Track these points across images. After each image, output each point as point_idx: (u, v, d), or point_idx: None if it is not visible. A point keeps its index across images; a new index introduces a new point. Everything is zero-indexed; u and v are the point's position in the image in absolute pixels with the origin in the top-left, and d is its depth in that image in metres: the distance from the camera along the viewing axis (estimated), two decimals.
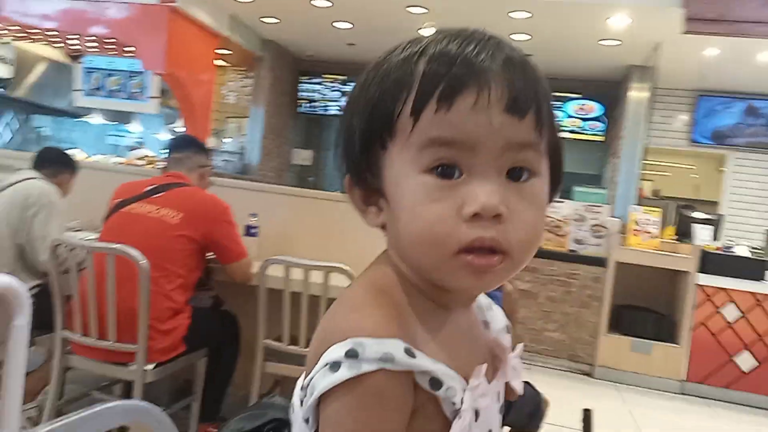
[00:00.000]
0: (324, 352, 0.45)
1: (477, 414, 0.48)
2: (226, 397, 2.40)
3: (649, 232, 4.48)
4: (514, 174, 0.47)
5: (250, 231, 2.66)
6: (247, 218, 2.67)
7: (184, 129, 6.32)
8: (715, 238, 4.62)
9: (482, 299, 0.60)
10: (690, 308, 4.28)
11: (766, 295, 4.17)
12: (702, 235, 4.65)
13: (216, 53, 6.16)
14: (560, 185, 0.52)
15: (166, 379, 2.28)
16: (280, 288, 2.19)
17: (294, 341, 2.20)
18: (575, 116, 6.97)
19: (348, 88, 7.39)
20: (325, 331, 0.47)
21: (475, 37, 0.48)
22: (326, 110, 7.54)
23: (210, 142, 6.43)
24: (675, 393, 4.22)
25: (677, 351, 4.30)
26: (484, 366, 0.49)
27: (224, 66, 7.12)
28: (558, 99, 6.92)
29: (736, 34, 4.72)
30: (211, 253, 2.25)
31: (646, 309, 4.55)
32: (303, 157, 7.70)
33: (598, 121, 6.93)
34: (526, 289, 4.43)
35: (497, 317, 0.59)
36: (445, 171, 0.46)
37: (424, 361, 0.45)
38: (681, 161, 8.04)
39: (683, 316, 4.31)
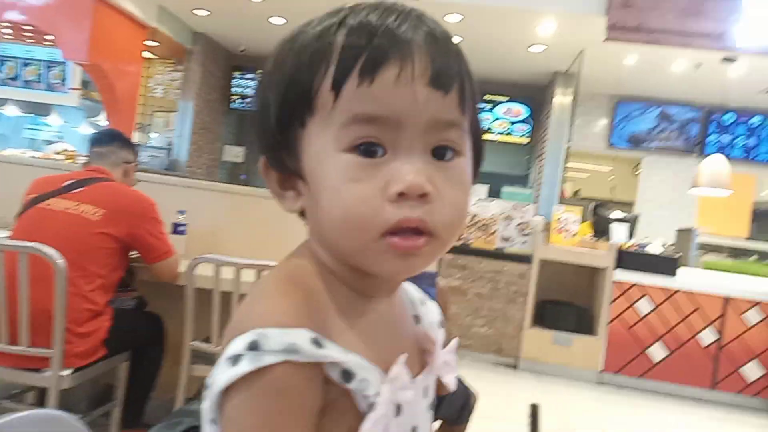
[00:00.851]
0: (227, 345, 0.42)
1: (399, 408, 0.46)
2: (150, 402, 2.33)
3: (569, 231, 4.69)
4: (439, 153, 0.45)
5: (177, 229, 2.59)
6: (174, 215, 2.60)
7: (107, 123, 6.06)
8: (630, 236, 4.89)
9: (415, 294, 0.58)
10: (607, 302, 4.52)
11: (676, 289, 4.46)
12: (618, 233, 4.92)
13: (143, 45, 5.94)
14: (481, 166, 0.51)
15: (84, 384, 2.19)
16: (209, 287, 2.14)
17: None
18: (503, 118, 7.20)
19: None
20: (231, 324, 0.44)
21: (396, 8, 0.46)
22: None
23: (135, 137, 6.20)
24: (593, 383, 4.45)
25: (595, 343, 4.53)
26: (404, 356, 0.46)
27: (152, 58, 6.87)
28: (487, 101, 7.13)
29: (653, 43, 5.02)
30: (135, 252, 2.17)
31: (567, 303, 4.77)
32: (234, 153, 7.55)
33: (525, 123, 7.18)
34: (456, 286, 4.54)
35: (431, 312, 0.58)
36: (368, 149, 0.44)
37: (333, 352, 0.42)
38: (599, 163, 8.46)
39: (601, 309, 4.55)
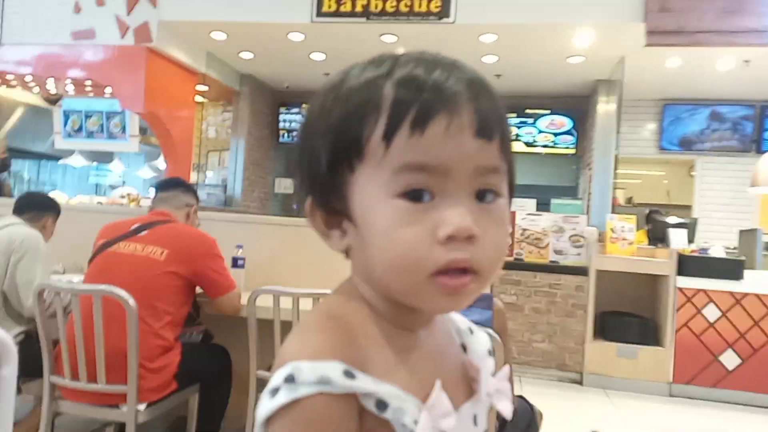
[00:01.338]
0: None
1: None
2: (222, 431, 2.42)
3: (626, 239, 4.59)
4: (481, 195, 0.48)
5: (236, 263, 2.71)
6: (233, 250, 2.72)
7: (165, 165, 6.37)
8: (690, 241, 4.74)
9: (462, 323, 0.59)
10: (672, 311, 4.38)
11: (744, 293, 4.28)
12: (677, 238, 4.77)
13: (195, 89, 6.25)
14: (513, 200, 0.53)
15: (159, 417, 2.30)
16: (269, 318, 2.23)
17: None
18: (546, 131, 7.15)
19: None
20: (276, 359, 0.47)
21: (441, 61, 0.48)
22: None
23: (192, 177, 6.48)
24: (663, 395, 4.29)
25: (663, 353, 4.38)
26: (439, 382, 0.47)
27: (203, 101, 7.20)
28: (529, 116, 7.11)
29: (695, 45, 4.92)
30: (199, 288, 2.29)
31: (629, 314, 4.64)
32: (285, 185, 7.77)
33: (569, 134, 7.10)
34: (511, 302, 4.51)
35: (478, 340, 0.59)
36: (416, 194, 0.46)
37: (365, 383, 0.44)
38: (651, 168, 8.24)
39: (666, 318, 4.41)
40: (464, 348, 0.58)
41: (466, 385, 0.54)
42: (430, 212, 0.46)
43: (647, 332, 4.53)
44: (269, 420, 0.44)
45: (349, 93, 0.48)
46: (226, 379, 2.43)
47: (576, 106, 6.96)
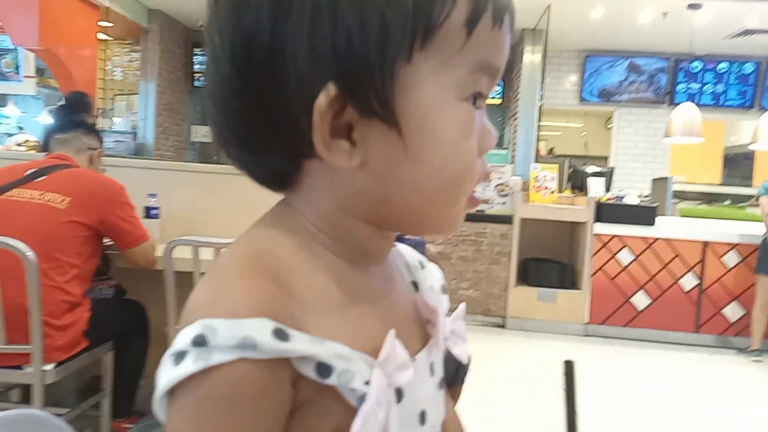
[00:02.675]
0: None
1: (400, 393, 0.39)
2: (139, 390, 2.27)
3: (548, 188, 4.70)
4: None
5: (150, 212, 2.50)
6: (146, 199, 2.50)
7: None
8: (607, 190, 4.92)
9: (412, 257, 0.51)
10: (589, 256, 4.56)
11: (655, 238, 4.52)
12: (595, 187, 4.94)
13: (97, 26, 5.69)
14: None
15: (70, 378, 2.12)
16: (188, 270, 2.07)
17: None
18: None
19: None
20: (182, 314, 0.36)
21: None
22: None
23: (98, 123, 5.99)
24: (579, 335, 4.52)
25: (580, 296, 4.58)
26: (392, 332, 0.39)
27: (107, 40, 6.60)
28: None
29: None
30: (108, 239, 2.09)
31: (550, 260, 4.80)
32: (203, 133, 7.37)
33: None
34: (439, 251, 4.53)
35: (431, 275, 0.51)
36: (476, 98, 0.39)
37: (301, 344, 0.34)
38: (572, 120, 8.49)
39: (584, 263, 4.59)
40: (415, 286, 0.49)
41: (420, 329, 0.46)
42: (478, 119, 0.40)
43: (566, 277, 4.71)
44: (173, 391, 0.34)
45: None
46: (142, 336, 2.27)
47: None
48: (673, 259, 4.51)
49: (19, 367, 1.85)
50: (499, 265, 4.63)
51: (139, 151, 6.53)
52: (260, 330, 0.33)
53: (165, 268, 2.08)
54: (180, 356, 0.33)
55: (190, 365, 0.33)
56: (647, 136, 7.08)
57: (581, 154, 8.17)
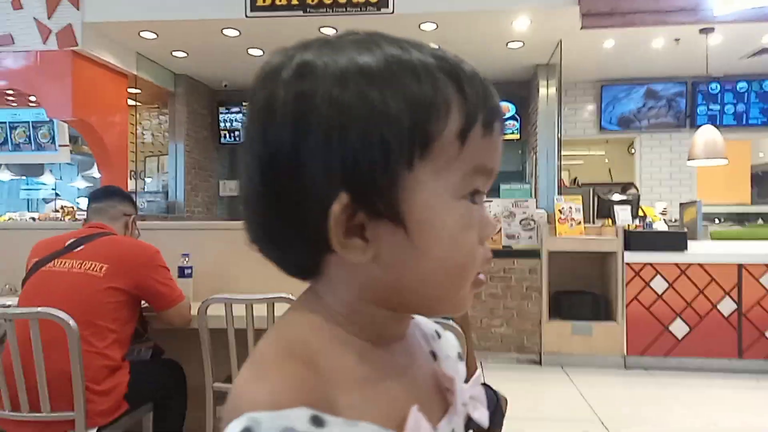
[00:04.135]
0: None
1: None
2: None
3: (574, 219, 4.68)
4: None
5: (183, 272, 2.59)
6: (178, 259, 2.59)
7: (100, 175, 6.08)
8: (634, 217, 4.88)
9: (428, 326, 0.55)
10: (621, 285, 4.49)
11: (688, 264, 4.44)
12: (622, 215, 4.90)
13: (127, 93, 5.97)
14: None
15: None
16: (221, 327, 2.13)
17: None
18: None
19: None
20: (226, 405, 0.40)
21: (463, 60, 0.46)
22: None
23: (130, 185, 6.22)
24: (619, 368, 4.41)
25: (616, 328, 4.50)
26: (416, 407, 0.43)
27: (136, 105, 6.90)
28: None
29: (629, 25, 5.06)
30: (144, 302, 2.16)
31: (581, 292, 4.74)
32: (230, 188, 7.56)
33: (513, 120, 7.20)
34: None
35: (447, 344, 0.55)
36: (473, 196, 0.45)
37: (336, 428, 0.38)
38: (593, 148, 8.48)
39: (616, 293, 4.52)
40: (434, 355, 0.53)
41: (440, 398, 0.49)
42: (476, 213, 0.45)
43: (599, 308, 4.64)
44: None
45: (410, 88, 0.42)
46: (180, 395, 2.32)
47: (518, 92, 7.05)
48: (709, 283, 4.42)
49: None
50: (530, 300, 4.59)
51: (170, 209, 6.72)
52: (299, 419, 0.37)
53: (200, 327, 2.14)
54: None
55: None
56: (671, 160, 7.02)
57: (605, 181, 8.12)
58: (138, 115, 7.07)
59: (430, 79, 0.42)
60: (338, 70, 0.42)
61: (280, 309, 2.11)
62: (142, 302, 2.15)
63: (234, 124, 7.43)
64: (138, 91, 6.28)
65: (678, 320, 4.45)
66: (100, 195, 2.34)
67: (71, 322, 1.82)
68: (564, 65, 5.97)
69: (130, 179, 6.28)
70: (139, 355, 2.25)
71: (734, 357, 4.37)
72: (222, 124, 7.44)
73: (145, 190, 7.04)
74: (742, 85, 6.87)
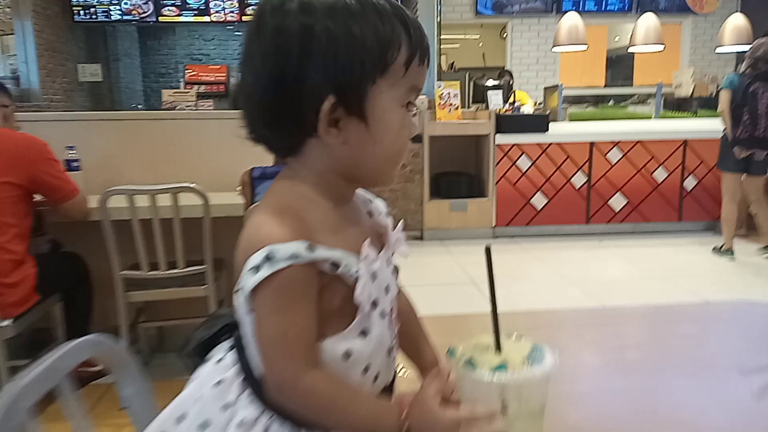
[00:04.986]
0: (247, 260, 0.57)
1: (374, 276, 0.62)
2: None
3: (452, 104, 4.96)
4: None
5: (71, 165, 2.51)
6: (63, 152, 2.50)
7: None
8: (505, 102, 5.26)
9: (364, 195, 0.73)
10: (493, 165, 4.95)
11: (548, 143, 4.95)
12: (495, 100, 5.27)
13: None
14: None
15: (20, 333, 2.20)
16: (125, 218, 2.16)
17: (153, 267, 2.23)
18: None
19: None
20: (245, 245, 0.58)
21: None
22: (108, 16, 6.73)
23: None
24: (488, 237, 4.98)
25: (487, 203, 5.01)
26: (367, 240, 0.63)
27: None
28: None
29: None
30: (38, 196, 2.12)
31: (459, 173, 5.16)
32: (91, 72, 6.91)
33: None
34: None
35: (378, 206, 0.74)
36: (408, 106, 0.63)
37: (322, 252, 0.58)
38: (469, 32, 8.71)
39: (488, 173, 4.98)
40: (370, 214, 0.73)
41: (378, 239, 0.69)
42: (408, 118, 0.64)
43: (474, 187, 5.10)
44: (255, 290, 0.57)
45: (377, 26, 0.60)
46: (86, 285, 2.37)
47: None
48: (565, 160, 4.99)
49: None
50: (413, 183, 4.92)
51: (24, 98, 6.07)
52: (299, 247, 0.57)
53: (102, 218, 2.15)
54: (257, 268, 0.56)
55: (264, 272, 0.56)
56: (539, 45, 7.46)
57: (480, 66, 8.47)
58: None
59: (390, 22, 0.60)
60: (329, 8, 0.59)
61: (184, 198, 2.17)
62: (36, 196, 2.11)
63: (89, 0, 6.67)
64: None
65: (539, 194, 5.03)
66: None
67: None
68: None
69: None
70: (38, 249, 2.23)
71: (583, 223, 5.09)
72: (74, 0, 6.64)
73: None
74: None
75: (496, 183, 4.98)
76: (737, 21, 5.67)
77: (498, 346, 0.61)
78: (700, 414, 0.76)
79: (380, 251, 0.67)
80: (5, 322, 1.92)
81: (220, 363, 0.65)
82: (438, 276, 4.05)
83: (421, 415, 0.57)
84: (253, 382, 0.62)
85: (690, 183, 5.09)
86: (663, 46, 5.72)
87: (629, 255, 4.55)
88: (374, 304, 0.63)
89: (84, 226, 2.25)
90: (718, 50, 6.25)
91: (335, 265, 0.59)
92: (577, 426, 0.72)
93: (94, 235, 2.24)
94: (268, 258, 0.56)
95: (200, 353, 0.69)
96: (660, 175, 5.07)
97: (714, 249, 4.46)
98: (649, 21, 5.62)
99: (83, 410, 0.76)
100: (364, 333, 0.62)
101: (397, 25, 0.61)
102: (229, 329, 0.68)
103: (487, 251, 0.64)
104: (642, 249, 4.71)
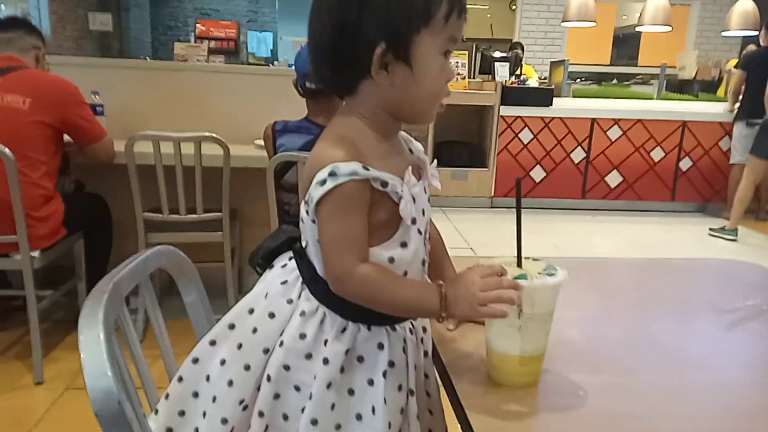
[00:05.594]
0: (314, 176, 0.70)
1: (414, 198, 0.74)
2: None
3: (460, 74, 5.04)
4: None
5: (95, 110, 2.59)
6: (89, 97, 2.59)
7: None
8: (511, 74, 5.34)
9: (404, 136, 0.85)
10: (495, 136, 5.05)
11: (551, 117, 5.06)
12: (501, 71, 5.34)
13: None
14: None
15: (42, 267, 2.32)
16: (150, 163, 2.26)
17: (174, 212, 2.35)
18: None
19: None
20: (311, 164, 0.72)
21: None
22: None
23: None
24: (486, 207, 5.12)
25: (487, 173, 5.13)
26: (410, 168, 0.75)
27: None
28: None
29: None
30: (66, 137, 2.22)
31: (461, 142, 5.26)
32: (101, 21, 6.93)
33: None
34: None
35: (416, 146, 0.87)
36: (446, 54, 0.74)
37: (374, 172, 0.70)
38: (478, 2, 8.69)
39: (490, 144, 5.09)
40: (410, 151, 0.86)
41: (417, 171, 0.81)
42: (446, 64, 0.75)
43: (475, 156, 5.21)
44: (320, 200, 0.70)
45: None
46: (107, 224, 2.49)
47: None
48: (566, 135, 5.10)
49: (7, 256, 2.04)
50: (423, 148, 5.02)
51: None
52: (357, 166, 0.69)
53: (128, 161, 2.26)
54: (323, 182, 0.69)
55: (329, 185, 0.69)
56: (548, 19, 7.49)
57: (487, 37, 8.48)
58: None
59: None
60: None
61: (207, 148, 2.28)
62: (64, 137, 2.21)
63: None
64: None
65: (538, 167, 5.16)
66: (6, 25, 2.24)
67: (7, 151, 1.88)
68: None
69: None
70: (63, 187, 2.34)
71: (578, 198, 5.23)
72: None
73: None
74: None
75: (498, 154, 5.09)
76: (745, 5, 5.73)
77: (519, 263, 0.74)
78: (678, 341, 0.90)
79: (420, 179, 0.79)
80: (34, 253, 2.04)
81: (285, 267, 0.79)
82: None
83: (458, 287, 0.70)
84: (310, 283, 0.76)
85: (685, 164, 5.23)
86: (670, 27, 5.78)
87: (622, 230, 4.71)
88: (413, 221, 0.75)
89: (106, 168, 2.36)
90: (724, 34, 6.32)
91: (384, 183, 0.71)
92: (574, 341, 0.86)
93: (116, 178, 2.35)
94: (331, 174, 0.68)
95: (267, 260, 0.82)
96: (657, 154, 5.20)
97: (711, 229, 4.59)
98: (658, 1, 5.66)
99: (156, 306, 0.89)
100: (404, 244, 0.75)
101: None
102: (291, 241, 0.81)
103: (518, 183, 0.76)
104: (634, 226, 4.86)
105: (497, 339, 0.71)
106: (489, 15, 9.12)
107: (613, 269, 1.30)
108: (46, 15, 6.12)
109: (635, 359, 0.81)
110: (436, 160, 0.88)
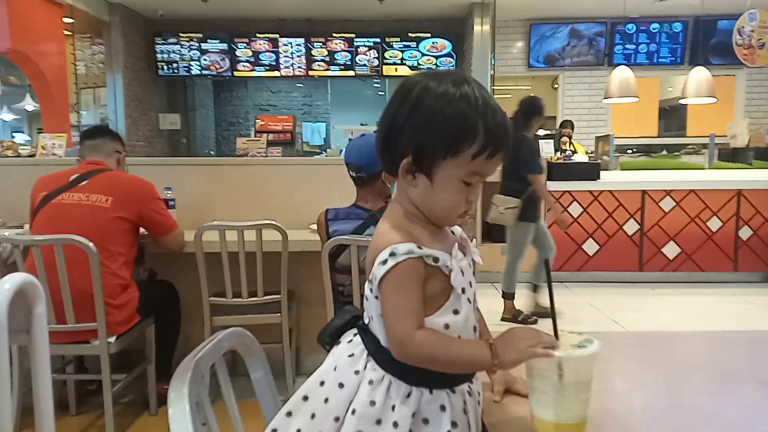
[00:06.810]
0: (376, 258, 0.81)
1: (462, 271, 0.84)
2: (175, 357, 2.65)
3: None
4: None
5: (168, 204, 2.84)
6: (162, 192, 2.84)
7: (37, 106, 5.95)
8: (556, 150, 5.44)
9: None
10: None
11: (600, 191, 5.08)
12: (546, 148, 5.45)
13: (62, 22, 5.79)
14: None
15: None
16: (216, 251, 2.44)
17: (237, 295, 2.50)
18: (429, 54, 7.51)
19: (207, 45, 7.27)
20: (374, 248, 0.83)
21: (499, 108, 0.82)
22: (189, 71, 7.36)
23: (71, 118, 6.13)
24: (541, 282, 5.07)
25: None
26: (456, 245, 0.86)
27: (70, 35, 6.67)
28: (412, 40, 7.40)
29: None
30: (143, 230, 2.44)
31: None
32: (171, 121, 7.54)
33: (449, 56, 7.52)
34: None
35: (458, 229, 0.98)
36: (468, 182, 0.83)
37: (427, 250, 0.81)
38: (520, 83, 8.97)
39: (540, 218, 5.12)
40: (453, 233, 0.96)
41: (461, 248, 0.90)
42: (466, 190, 0.85)
43: None
44: (383, 278, 0.81)
45: (460, 116, 0.80)
46: (176, 309, 2.65)
47: (454, 29, 7.35)
48: (617, 208, 5.09)
49: (86, 342, 2.21)
50: (466, 226, 5.10)
51: None
52: (412, 246, 0.81)
53: (196, 250, 2.45)
54: (384, 261, 0.80)
55: (390, 264, 0.80)
56: (590, 96, 7.65)
57: None
58: (72, 46, 6.83)
59: (475, 123, 0.80)
60: (437, 94, 0.82)
61: (267, 234, 2.45)
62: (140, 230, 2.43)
63: (171, 55, 7.33)
64: (71, 21, 6.08)
65: (590, 240, 5.13)
66: (93, 133, 2.54)
67: (92, 245, 2.10)
68: (497, 4, 6.30)
69: (71, 111, 6.18)
70: (138, 276, 2.54)
71: (636, 270, 5.13)
72: (159, 56, 7.31)
73: (82, 123, 6.91)
74: (654, 26, 7.49)
75: (548, 228, 5.11)
76: None
77: (556, 335, 0.81)
78: (719, 410, 0.92)
79: (465, 256, 0.89)
80: (111, 339, 2.21)
81: (351, 342, 0.88)
82: (488, 318, 4.17)
83: (504, 340, 0.79)
84: (375, 354, 0.85)
85: (745, 233, 5.09)
86: (715, 99, 5.81)
87: (684, 303, 4.56)
88: (462, 290, 0.84)
89: (176, 257, 2.56)
90: None
91: (435, 259, 0.82)
92: (618, 412, 0.90)
93: (183, 265, 2.55)
94: (391, 254, 0.80)
95: (334, 337, 0.92)
96: (714, 224, 5.09)
97: None
98: (700, 74, 5.74)
99: (229, 384, 0.99)
100: (456, 311, 0.84)
101: (480, 123, 0.80)
102: (355, 319, 0.91)
103: (546, 263, 0.84)
104: (696, 298, 4.71)
105: (536, 406, 0.78)
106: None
107: (675, 342, 1.32)
108: (122, 118, 6.74)
109: None
110: (476, 239, 0.98)
